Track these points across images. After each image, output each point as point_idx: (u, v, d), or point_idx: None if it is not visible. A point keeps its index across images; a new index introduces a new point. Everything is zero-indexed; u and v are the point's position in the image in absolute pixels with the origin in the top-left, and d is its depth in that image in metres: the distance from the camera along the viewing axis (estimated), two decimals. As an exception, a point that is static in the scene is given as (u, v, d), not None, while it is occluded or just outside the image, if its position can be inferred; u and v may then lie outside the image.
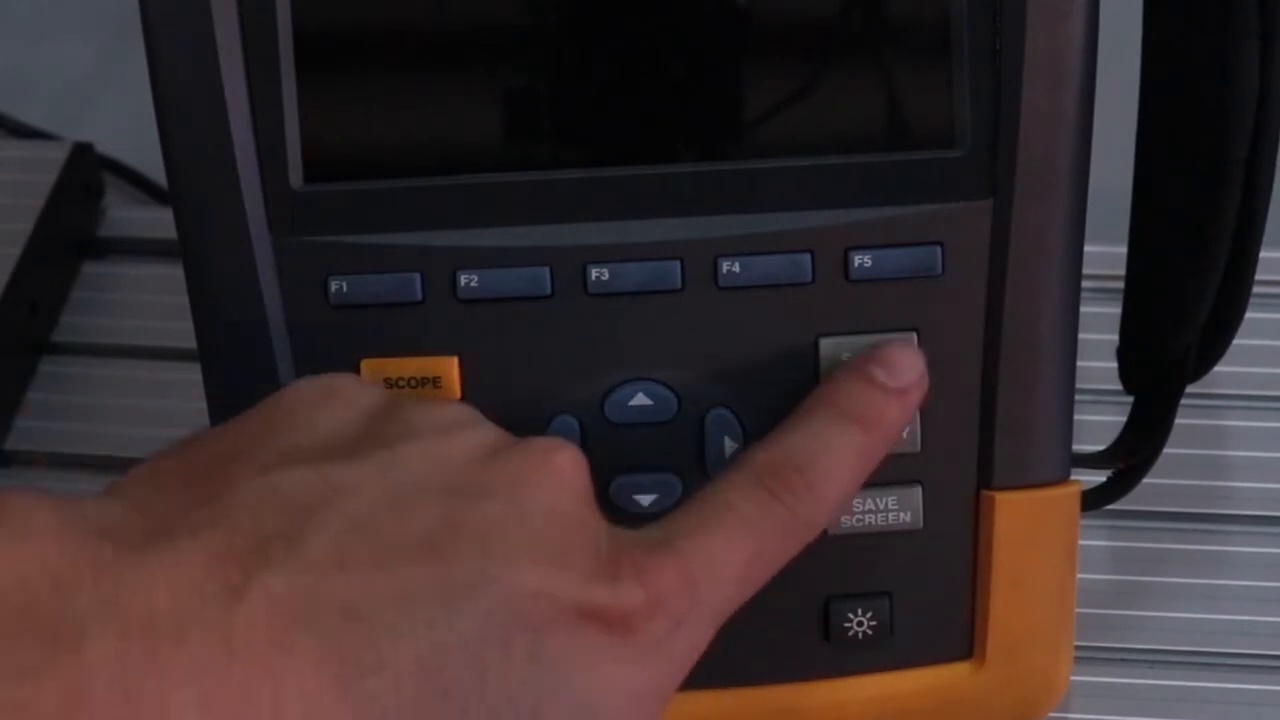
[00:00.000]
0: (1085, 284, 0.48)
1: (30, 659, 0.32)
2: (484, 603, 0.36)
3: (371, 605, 0.35)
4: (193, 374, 0.49)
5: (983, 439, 0.48)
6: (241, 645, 0.33)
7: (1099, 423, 0.55)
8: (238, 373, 0.47)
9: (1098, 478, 0.53)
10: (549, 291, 0.47)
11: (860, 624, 0.49)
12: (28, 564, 0.33)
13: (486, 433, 0.41)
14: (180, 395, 0.65)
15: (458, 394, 0.47)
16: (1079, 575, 0.50)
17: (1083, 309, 0.48)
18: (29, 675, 0.32)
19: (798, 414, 0.44)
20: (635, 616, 0.38)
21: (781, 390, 0.47)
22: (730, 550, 0.40)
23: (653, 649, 0.38)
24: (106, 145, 0.75)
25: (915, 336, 0.47)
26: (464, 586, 0.36)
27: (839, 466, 0.43)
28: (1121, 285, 0.52)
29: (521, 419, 0.47)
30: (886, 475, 0.48)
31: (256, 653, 0.33)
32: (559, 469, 0.40)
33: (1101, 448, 0.53)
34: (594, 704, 0.37)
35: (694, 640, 0.40)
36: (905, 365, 0.45)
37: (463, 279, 0.46)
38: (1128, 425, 0.53)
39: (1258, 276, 0.48)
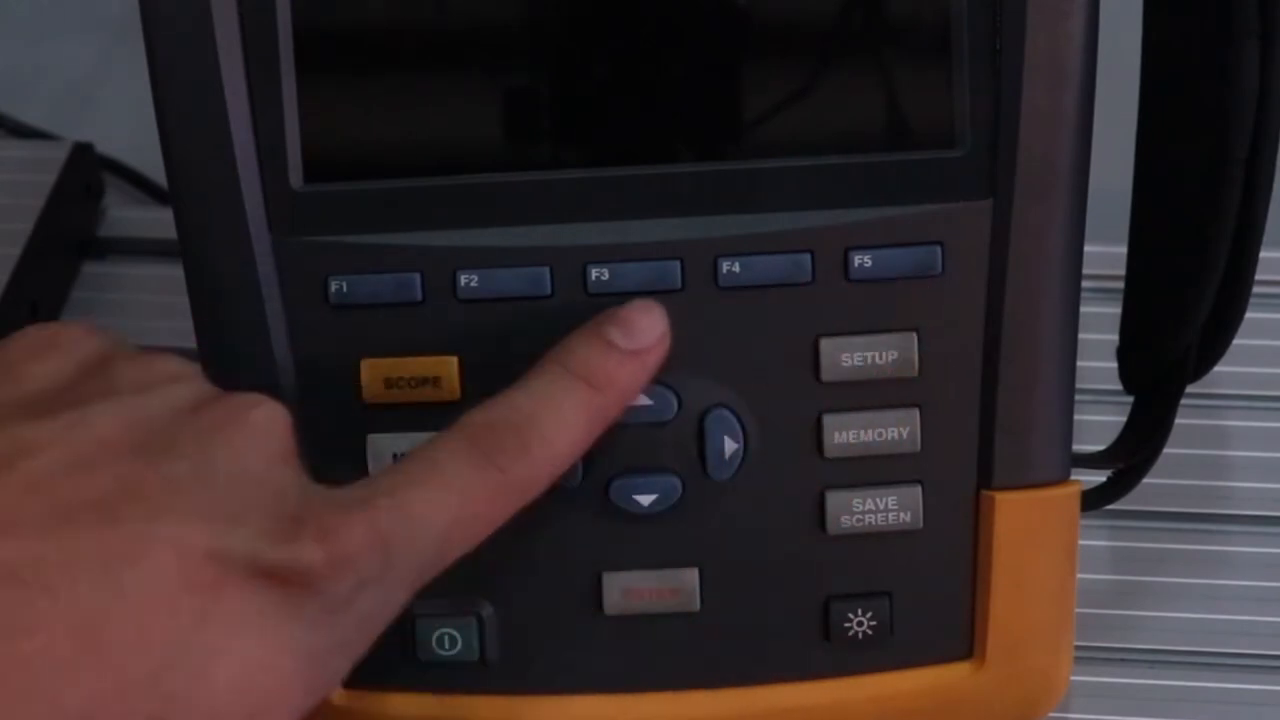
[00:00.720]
0: (1085, 284, 0.48)
1: None
2: (150, 565, 0.36)
3: (33, 569, 0.35)
4: (193, 374, 0.49)
5: (983, 439, 0.48)
6: None
7: (1099, 423, 0.55)
8: (238, 373, 0.47)
9: (1098, 478, 0.53)
10: (549, 291, 0.47)
11: (860, 624, 0.49)
12: None
13: (190, 389, 0.41)
14: (180, 395, 0.64)
15: (458, 394, 0.47)
16: (1079, 575, 0.50)
17: (1083, 309, 0.48)
18: None
19: (528, 373, 0.44)
20: (314, 576, 0.38)
21: (782, 390, 0.47)
22: (431, 512, 0.40)
23: (335, 609, 0.38)
24: (106, 145, 0.75)
25: (915, 336, 0.47)
26: (131, 548, 0.36)
27: (561, 427, 0.43)
28: (1121, 285, 0.52)
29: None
30: (886, 475, 0.48)
31: None
32: (252, 426, 0.40)
33: (1101, 448, 0.53)
34: (266, 663, 0.38)
35: (384, 600, 0.40)
36: (643, 326, 0.45)
37: (463, 279, 0.46)
38: (1128, 425, 0.53)
39: (1258, 276, 0.48)
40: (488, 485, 0.41)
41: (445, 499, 0.40)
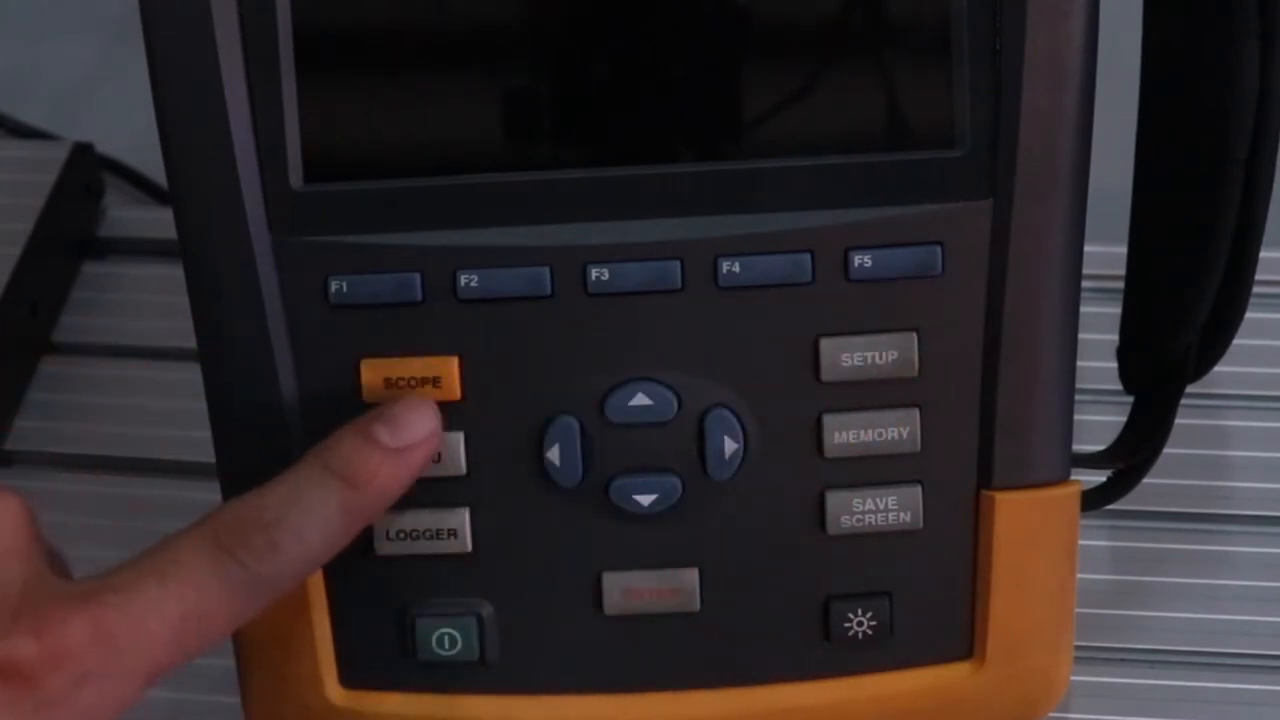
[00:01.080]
0: (1085, 284, 0.48)
1: None
2: None
3: None
4: (193, 374, 0.49)
5: (983, 439, 0.48)
6: None
7: (1099, 423, 0.55)
8: (237, 372, 0.47)
9: (1098, 478, 0.53)
10: (549, 291, 0.47)
11: (860, 624, 0.49)
12: None
13: None
14: (180, 395, 0.65)
15: (458, 394, 0.47)
16: (1079, 575, 0.50)
17: (1083, 309, 0.48)
18: None
19: (288, 468, 0.44)
20: (29, 669, 0.39)
21: (782, 390, 0.47)
22: (163, 606, 0.40)
23: (55, 702, 0.39)
24: (106, 145, 0.75)
25: (915, 336, 0.47)
26: None
27: (313, 524, 0.43)
28: (1121, 285, 0.52)
29: (521, 419, 0.47)
30: (886, 475, 0.48)
31: None
32: None
33: (1101, 448, 0.53)
34: None
35: (112, 692, 0.40)
36: (410, 422, 0.45)
37: (463, 279, 0.46)
38: (1128, 425, 0.53)
39: (1258, 276, 0.48)
40: (228, 582, 0.41)
41: (180, 594, 0.41)
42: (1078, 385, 0.49)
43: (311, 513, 0.43)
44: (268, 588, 0.42)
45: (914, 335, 0.47)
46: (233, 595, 0.42)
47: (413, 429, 0.44)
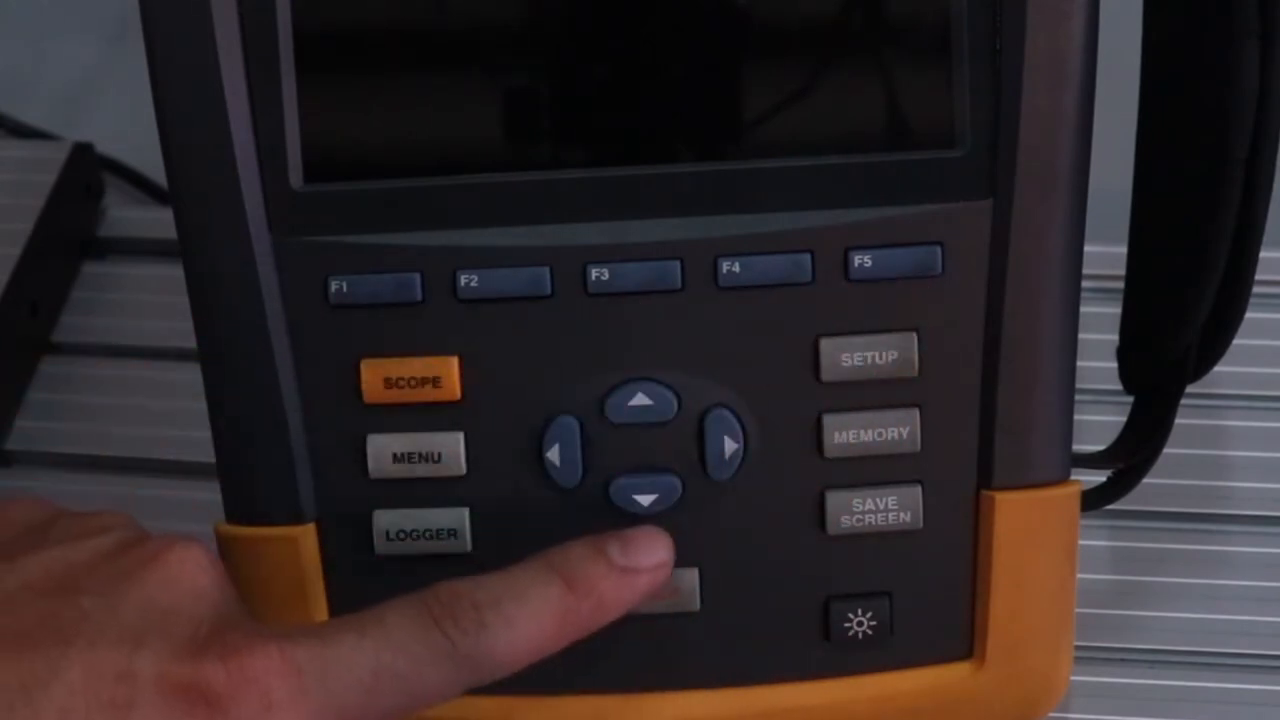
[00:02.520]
0: (1085, 284, 0.48)
1: None
2: (61, 686, 0.39)
3: None
4: (193, 374, 0.49)
5: (983, 439, 0.48)
6: None
7: (1099, 423, 0.55)
8: (238, 373, 0.47)
9: (1098, 478, 0.53)
10: (549, 291, 0.47)
11: (860, 624, 0.49)
12: None
13: (116, 536, 0.43)
14: (181, 395, 0.65)
15: (458, 394, 0.47)
16: (1079, 575, 0.50)
17: (1083, 309, 0.48)
18: None
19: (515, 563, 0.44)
20: (217, 692, 0.39)
21: (782, 390, 0.47)
22: (356, 657, 0.41)
23: None
24: (106, 145, 0.75)
25: (915, 336, 0.47)
26: (45, 673, 0.39)
27: (525, 614, 0.43)
28: (1121, 285, 0.52)
29: (521, 419, 0.47)
30: (886, 475, 0.48)
31: None
32: (165, 564, 0.42)
33: (1101, 448, 0.53)
34: None
35: None
36: (643, 547, 0.45)
37: (463, 279, 0.46)
38: (1128, 425, 0.53)
39: (1258, 276, 0.48)
40: (429, 649, 0.42)
41: (376, 649, 0.41)
42: (1078, 385, 0.49)
43: (526, 604, 0.43)
44: (468, 665, 0.42)
45: (914, 335, 0.47)
46: (433, 663, 0.42)
47: (643, 554, 0.45)
